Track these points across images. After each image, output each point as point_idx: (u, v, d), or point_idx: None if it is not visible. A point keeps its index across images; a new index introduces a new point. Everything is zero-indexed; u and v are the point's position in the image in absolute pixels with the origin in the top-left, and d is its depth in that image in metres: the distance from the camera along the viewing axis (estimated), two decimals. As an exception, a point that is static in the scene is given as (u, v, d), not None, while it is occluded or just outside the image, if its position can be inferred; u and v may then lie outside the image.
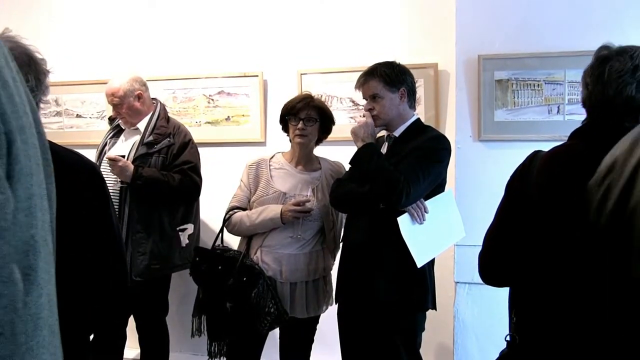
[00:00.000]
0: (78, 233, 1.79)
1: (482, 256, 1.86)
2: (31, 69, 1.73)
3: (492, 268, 1.84)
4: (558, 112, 3.18)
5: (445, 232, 2.78)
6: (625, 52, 1.64)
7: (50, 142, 1.72)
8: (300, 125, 2.92)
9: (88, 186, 1.90)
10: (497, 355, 1.84)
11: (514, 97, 3.23)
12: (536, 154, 1.75)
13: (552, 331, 1.61)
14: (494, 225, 1.83)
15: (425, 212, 2.61)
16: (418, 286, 2.67)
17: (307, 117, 2.93)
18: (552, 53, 3.16)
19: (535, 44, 3.18)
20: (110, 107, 3.48)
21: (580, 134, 1.70)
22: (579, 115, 3.19)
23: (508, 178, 1.84)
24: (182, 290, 3.84)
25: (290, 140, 3.05)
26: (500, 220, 1.80)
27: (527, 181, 1.69)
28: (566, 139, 1.77)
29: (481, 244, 1.88)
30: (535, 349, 1.67)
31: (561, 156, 1.68)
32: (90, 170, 1.97)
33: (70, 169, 1.80)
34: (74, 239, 1.72)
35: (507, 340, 1.79)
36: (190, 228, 3.43)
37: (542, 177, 1.65)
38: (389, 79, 2.70)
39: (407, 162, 2.56)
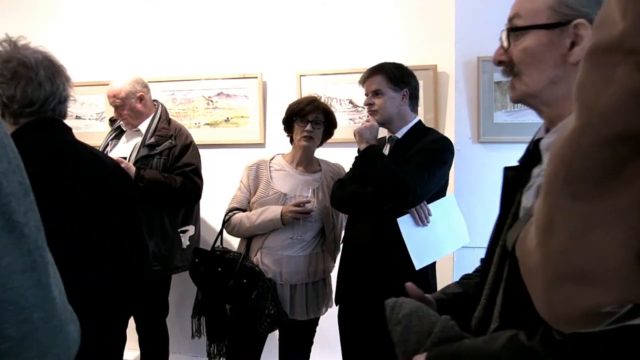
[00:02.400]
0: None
1: None
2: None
3: None
4: (557, 114, 3.19)
5: (447, 237, 2.78)
6: None
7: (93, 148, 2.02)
8: (308, 127, 2.92)
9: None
10: None
11: (513, 99, 3.24)
12: None
13: None
14: None
15: (429, 214, 2.63)
16: (421, 288, 2.68)
17: (315, 119, 2.93)
18: (551, 55, 3.16)
19: (535, 45, 3.19)
20: (111, 109, 3.48)
21: None
22: (577, 117, 3.20)
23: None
24: (182, 292, 3.84)
25: (292, 142, 3.05)
26: None
27: None
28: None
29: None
30: None
31: None
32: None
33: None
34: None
35: None
36: (191, 229, 3.43)
37: None
38: (393, 77, 2.73)
39: (414, 163, 2.57)
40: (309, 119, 2.92)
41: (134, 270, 2.16)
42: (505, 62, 1.33)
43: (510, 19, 1.30)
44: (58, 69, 1.93)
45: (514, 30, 1.28)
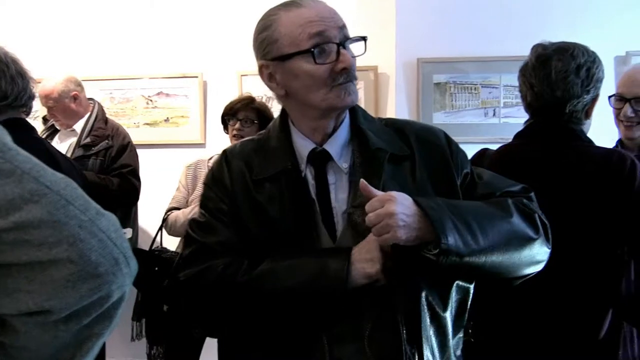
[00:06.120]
0: None
1: None
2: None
3: None
4: (494, 115, 3.27)
5: None
6: (565, 50, 1.68)
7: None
8: (237, 125, 2.91)
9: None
10: None
11: (452, 100, 3.30)
12: (484, 152, 1.76)
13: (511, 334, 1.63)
14: None
15: None
16: None
17: (245, 118, 2.92)
18: (489, 58, 3.24)
19: (473, 48, 3.26)
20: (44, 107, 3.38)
21: (529, 134, 1.72)
22: (514, 119, 3.30)
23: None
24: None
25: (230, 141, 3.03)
26: None
27: None
28: (502, 141, 1.79)
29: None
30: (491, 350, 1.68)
31: (512, 155, 1.70)
32: None
33: None
34: None
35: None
36: (128, 232, 3.35)
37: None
38: None
39: None
40: (239, 117, 2.92)
41: None
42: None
43: (342, 29, 1.36)
44: (22, 65, 1.93)
45: (355, 40, 1.36)
